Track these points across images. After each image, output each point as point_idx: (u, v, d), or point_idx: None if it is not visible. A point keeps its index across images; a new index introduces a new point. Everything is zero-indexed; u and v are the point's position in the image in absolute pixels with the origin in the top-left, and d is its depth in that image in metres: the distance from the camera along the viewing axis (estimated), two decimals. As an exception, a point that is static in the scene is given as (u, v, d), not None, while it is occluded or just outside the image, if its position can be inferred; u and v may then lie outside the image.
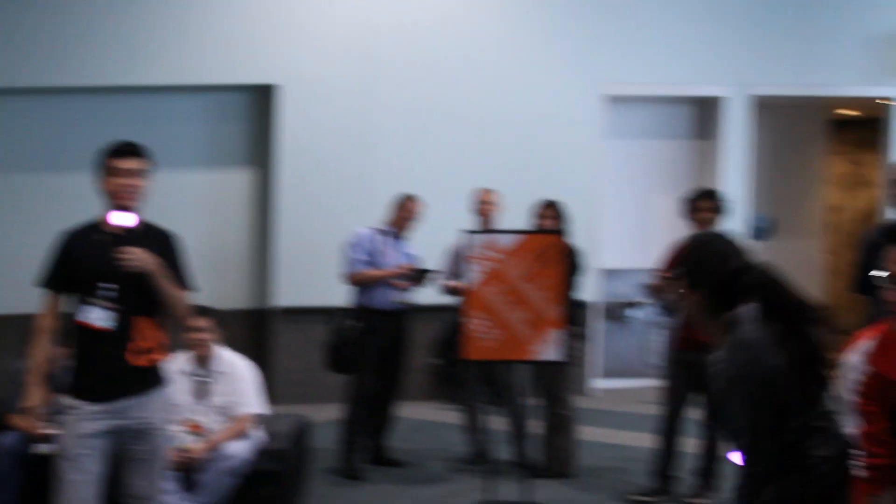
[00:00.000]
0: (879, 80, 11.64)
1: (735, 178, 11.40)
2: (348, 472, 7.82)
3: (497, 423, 7.55)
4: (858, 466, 3.37)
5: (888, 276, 3.17)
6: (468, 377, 8.02)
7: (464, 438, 8.25)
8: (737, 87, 11.37)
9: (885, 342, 3.34)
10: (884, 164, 11.76)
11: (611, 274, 11.13)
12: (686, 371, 6.95)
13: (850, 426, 3.41)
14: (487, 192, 8.32)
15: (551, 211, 7.82)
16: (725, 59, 11.29)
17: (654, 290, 7.21)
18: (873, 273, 3.37)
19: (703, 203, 7.14)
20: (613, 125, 11.30)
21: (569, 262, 7.28)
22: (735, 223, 11.23)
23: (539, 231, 7.57)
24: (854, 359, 3.38)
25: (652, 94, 11.42)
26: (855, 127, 14.23)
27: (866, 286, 5.92)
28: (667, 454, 7.15)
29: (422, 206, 8.23)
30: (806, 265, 12.94)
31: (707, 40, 11.26)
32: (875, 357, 3.36)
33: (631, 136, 11.59)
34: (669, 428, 7.14)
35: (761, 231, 12.59)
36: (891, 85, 11.65)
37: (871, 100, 11.97)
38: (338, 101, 10.64)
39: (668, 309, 7.11)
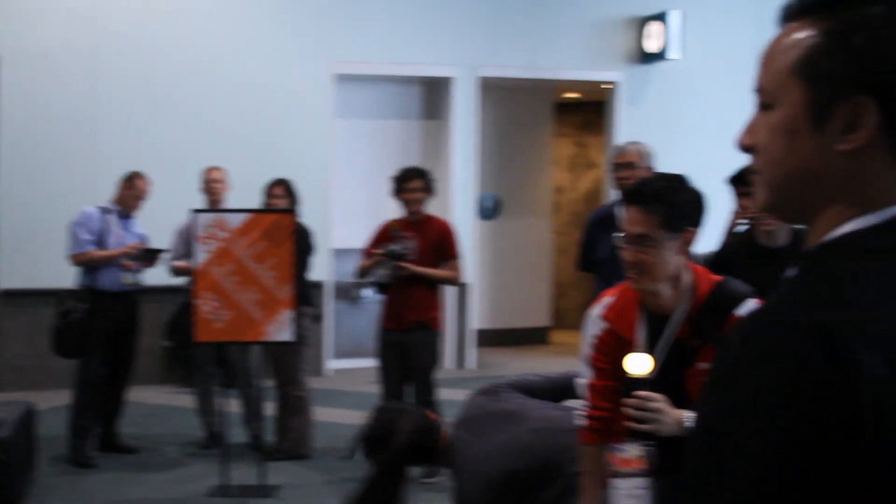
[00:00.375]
0: (603, 65, 12.08)
1: (464, 158, 11.60)
2: (78, 460, 7.53)
3: (230, 405, 7.47)
4: (581, 416, 3.51)
5: (624, 236, 3.28)
6: (200, 359, 7.90)
7: (197, 422, 8.12)
8: (465, 68, 11.54)
9: (621, 300, 3.46)
10: (607, 147, 12.22)
11: (342, 253, 11.12)
12: (393, 350, 7.08)
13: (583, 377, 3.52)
14: (215, 170, 8.18)
15: (281, 190, 7.76)
16: (454, 41, 11.45)
17: (363, 270, 7.21)
18: (615, 235, 3.47)
19: (412, 183, 7.16)
20: (344, 104, 11.28)
21: (300, 242, 7.25)
22: (464, 203, 11.50)
23: (268, 210, 7.50)
24: (595, 313, 3.50)
25: (381, 74, 11.44)
26: (579, 110, 14.74)
27: (590, 264, 6.14)
28: None
29: (150, 184, 8.00)
30: (534, 244, 13.34)
31: (436, 21, 11.39)
32: (610, 313, 3.48)
33: (361, 115, 11.61)
34: None
35: (488, 211, 12.89)
36: (613, 69, 12.12)
37: (595, 83, 12.41)
38: (62, 75, 10.24)
39: (378, 287, 7.20)
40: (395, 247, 6.94)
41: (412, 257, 6.98)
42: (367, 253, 7.14)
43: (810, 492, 1.22)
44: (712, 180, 7.61)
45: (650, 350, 3.29)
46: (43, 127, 10.18)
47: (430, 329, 7.06)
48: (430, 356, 7.10)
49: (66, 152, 10.22)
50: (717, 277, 3.35)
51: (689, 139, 11.76)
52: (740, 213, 5.41)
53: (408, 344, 7.03)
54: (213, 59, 10.64)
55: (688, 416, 3.10)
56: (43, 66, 10.19)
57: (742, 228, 5.30)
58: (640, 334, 3.35)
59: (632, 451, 3.18)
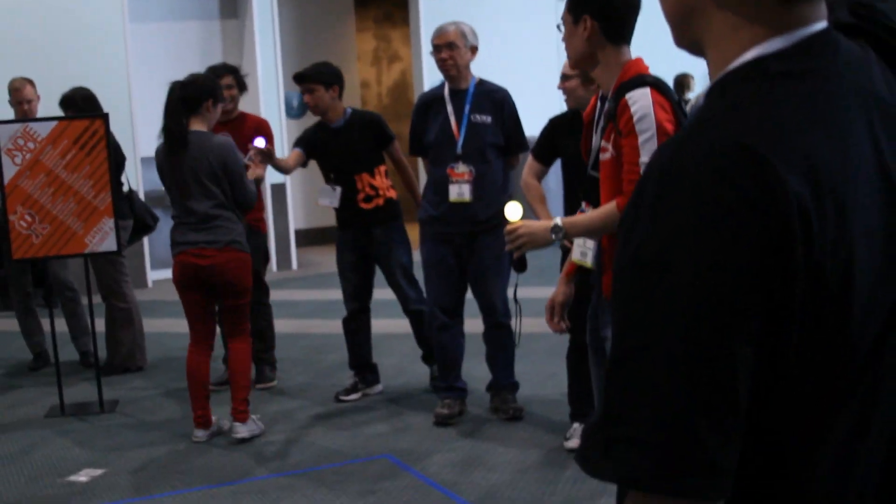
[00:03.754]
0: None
1: (266, 57, 11.32)
2: None
3: (56, 323, 7.14)
4: None
5: None
6: (18, 279, 7.54)
7: (23, 343, 7.81)
8: (261, -36, 11.23)
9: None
10: (412, 39, 12.10)
11: (150, 162, 10.72)
12: None
13: None
14: (24, 85, 7.73)
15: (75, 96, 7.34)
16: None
17: None
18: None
19: (222, 80, 6.87)
20: (138, 7, 10.81)
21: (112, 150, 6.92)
22: (269, 103, 11.25)
23: (77, 116, 7.11)
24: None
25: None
26: (381, 3, 14.55)
27: (421, 148, 6.08)
28: None
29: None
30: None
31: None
32: None
33: (157, 18, 11.18)
34: None
35: (295, 110, 12.64)
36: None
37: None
38: None
39: None
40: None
41: None
42: None
43: (747, 316, 1.21)
44: (521, 64, 7.60)
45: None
46: None
47: (258, 232, 6.82)
48: (260, 259, 6.89)
49: None
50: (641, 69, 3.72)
51: (494, 22, 11.73)
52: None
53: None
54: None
55: (556, 223, 3.73)
56: None
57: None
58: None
59: None
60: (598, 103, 3.85)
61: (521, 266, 4.13)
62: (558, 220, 3.76)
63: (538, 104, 9.55)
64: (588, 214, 3.83)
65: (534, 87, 10.78)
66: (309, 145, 6.50)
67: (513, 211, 3.96)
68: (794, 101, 1.30)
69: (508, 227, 3.85)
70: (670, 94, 3.71)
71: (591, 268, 4.04)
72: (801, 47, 1.34)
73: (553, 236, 3.75)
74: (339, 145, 6.35)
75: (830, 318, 1.25)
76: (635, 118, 3.53)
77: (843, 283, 1.26)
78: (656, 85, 3.66)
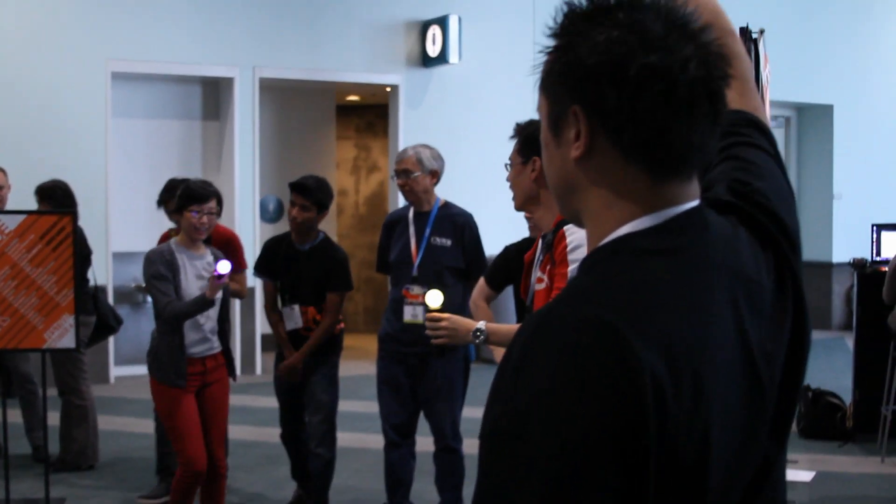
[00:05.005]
0: (383, 68, 12.09)
1: (244, 160, 11.40)
2: None
3: (10, 415, 7.08)
4: None
5: None
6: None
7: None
8: (245, 68, 11.34)
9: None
10: (390, 150, 12.23)
11: (122, 257, 10.79)
12: None
13: None
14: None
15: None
16: (233, 40, 11.23)
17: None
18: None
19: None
20: (121, 103, 10.92)
21: (80, 245, 6.94)
22: (245, 206, 11.31)
23: (45, 212, 7.16)
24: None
25: (159, 73, 11.14)
26: (362, 112, 14.73)
27: (386, 266, 6.11)
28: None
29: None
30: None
31: (215, 21, 11.16)
32: None
33: (139, 115, 11.28)
34: None
35: (270, 214, 12.75)
36: (394, 72, 12.13)
37: (377, 86, 12.42)
38: None
39: None
40: None
41: None
42: None
43: (600, 491, 1.22)
44: (492, 180, 7.67)
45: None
46: None
47: None
48: None
49: None
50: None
51: (471, 141, 11.88)
52: None
53: None
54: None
55: (478, 327, 3.87)
56: None
57: None
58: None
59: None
60: (540, 244, 3.91)
61: (440, 352, 4.37)
62: (482, 325, 3.89)
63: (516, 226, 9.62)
64: (510, 326, 3.95)
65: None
66: (274, 270, 6.35)
67: (433, 298, 4.21)
68: (658, 279, 1.34)
69: (432, 315, 4.01)
70: None
71: None
72: (670, 226, 1.40)
73: (474, 338, 3.88)
74: (300, 270, 6.21)
75: (685, 493, 1.28)
76: (569, 248, 3.60)
77: (698, 460, 1.29)
78: None
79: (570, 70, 1.41)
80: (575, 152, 1.42)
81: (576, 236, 3.64)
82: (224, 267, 5.46)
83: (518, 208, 3.92)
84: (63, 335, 6.48)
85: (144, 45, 10.82)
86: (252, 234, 11.10)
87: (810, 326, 1.57)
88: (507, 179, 3.84)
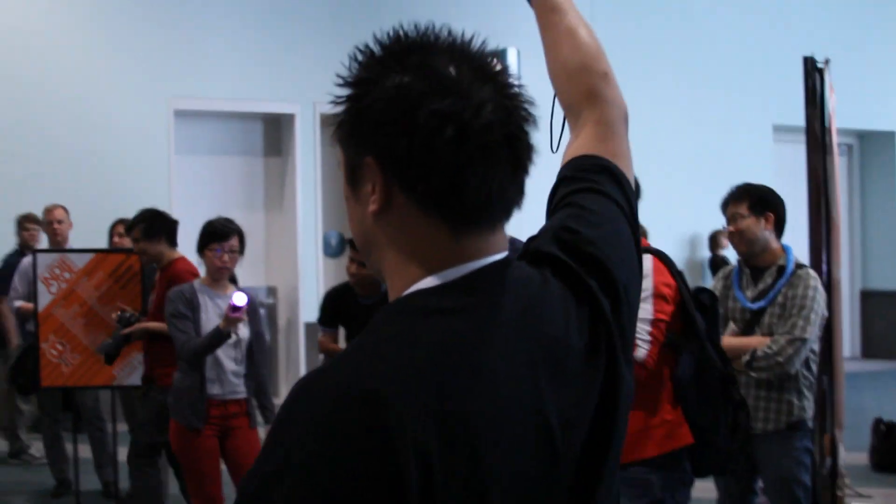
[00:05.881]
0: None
1: (307, 195, 11.47)
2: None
3: (81, 450, 7.15)
4: None
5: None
6: (46, 404, 7.58)
7: (47, 469, 7.79)
8: (306, 104, 11.42)
9: None
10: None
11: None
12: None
13: None
14: (57, 208, 7.90)
15: (120, 227, 7.51)
16: (294, 77, 11.31)
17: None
18: None
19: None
20: (184, 140, 11.05)
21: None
22: (309, 241, 11.36)
23: (114, 250, 7.26)
24: None
25: (222, 110, 11.27)
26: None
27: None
28: None
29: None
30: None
31: (276, 58, 11.26)
32: None
33: (202, 152, 11.39)
34: None
35: (332, 248, 12.79)
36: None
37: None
38: None
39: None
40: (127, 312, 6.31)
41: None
42: None
43: None
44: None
45: None
46: None
47: (154, 384, 6.21)
48: (147, 414, 6.27)
49: None
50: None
51: (532, 175, 11.85)
52: None
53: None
54: (50, 93, 10.27)
55: None
56: None
57: None
58: None
59: None
60: None
61: None
62: None
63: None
64: None
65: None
66: (336, 320, 6.32)
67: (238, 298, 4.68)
68: (440, 340, 1.27)
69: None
70: (671, 264, 3.95)
71: None
72: (461, 284, 1.33)
73: None
74: (363, 325, 6.13)
75: None
76: None
77: None
78: (658, 254, 3.91)
79: (361, 120, 1.35)
80: (372, 206, 1.36)
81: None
82: (240, 299, 5.29)
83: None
84: (132, 372, 6.55)
85: (206, 82, 10.94)
86: (315, 270, 11.16)
87: (625, 384, 1.46)
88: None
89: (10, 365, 7.73)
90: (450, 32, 1.39)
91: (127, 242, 7.32)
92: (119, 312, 6.26)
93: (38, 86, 10.23)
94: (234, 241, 5.50)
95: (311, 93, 11.39)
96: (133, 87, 10.57)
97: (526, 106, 1.37)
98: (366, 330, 1.33)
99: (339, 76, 1.41)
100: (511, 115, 1.35)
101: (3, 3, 10.23)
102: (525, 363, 1.32)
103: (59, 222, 7.82)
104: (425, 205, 1.33)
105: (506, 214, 1.40)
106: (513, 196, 1.40)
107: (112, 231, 7.53)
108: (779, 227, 4.88)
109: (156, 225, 6.31)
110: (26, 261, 7.51)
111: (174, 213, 10.59)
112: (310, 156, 11.51)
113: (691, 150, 12.91)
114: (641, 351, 3.79)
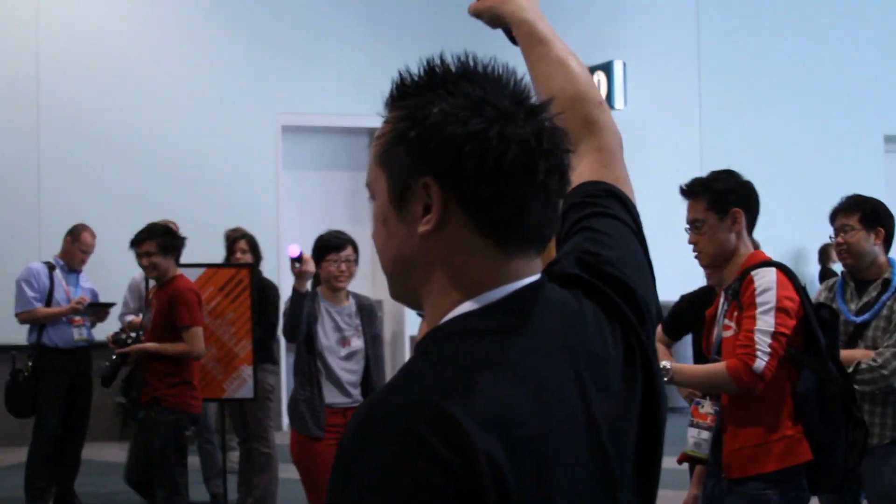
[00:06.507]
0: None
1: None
2: (34, 520, 7.33)
3: (191, 461, 7.26)
4: None
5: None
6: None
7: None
8: (411, 119, 11.50)
9: None
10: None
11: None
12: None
13: None
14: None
15: (242, 243, 7.62)
16: (400, 92, 11.40)
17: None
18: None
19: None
20: (291, 156, 11.20)
21: (263, 298, 7.14)
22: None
23: (224, 265, 7.36)
24: None
25: (327, 125, 11.39)
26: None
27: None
28: None
29: (95, 237, 7.84)
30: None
31: (383, 73, 11.26)
32: None
33: (309, 167, 11.52)
34: None
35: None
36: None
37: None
38: (5, 127, 10.08)
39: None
40: (121, 334, 6.40)
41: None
42: None
43: None
44: (661, 226, 7.57)
45: None
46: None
47: (160, 406, 6.17)
48: (156, 437, 6.19)
49: (10, 206, 10.03)
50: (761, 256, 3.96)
51: (638, 186, 11.72)
52: None
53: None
54: (160, 110, 10.51)
55: (664, 364, 3.72)
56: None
57: None
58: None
59: (705, 407, 3.93)
60: (723, 296, 3.92)
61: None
62: (667, 363, 3.82)
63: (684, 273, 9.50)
64: (697, 367, 4.00)
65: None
66: None
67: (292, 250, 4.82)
68: (492, 359, 1.30)
69: None
70: (795, 278, 3.87)
71: (705, 459, 4.01)
72: (506, 304, 1.36)
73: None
74: None
75: None
76: (757, 290, 3.69)
77: None
78: (782, 267, 3.84)
79: (421, 139, 1.35)
80: (423, 227, 1.37)
81: (764, 280, 3.71)
82: (293, 251, 5.43)
83: (708, 265, 3.95)
84: (241, 385, 6.63)
85: (312, 98, 11.09)
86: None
87: (663, 396, 1.52)
88: (691, 241, 3.89)
89: (122, 377, 7.89)
90: (494, 62, 1.43)
91: (248, 258, 7.46)
92: (114, 334, 6.46)
93: (151, 105, 10.48)
94: (349, 251, 5.61)
95: (417, 107, 11.46)
96: (242, 104, 10.76)
97: (566, 139, 1.41)
98: (415, 354, 1.37)
99: (389, 96, 1.44)
100: (559, 146, 1.39)
101: (118, 27, 10.51)
102: (573, 378, 1.36)
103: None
104: (486, 226, 1.36)
105: (549, 238, 1.45)
106: (555, 220, 1.44)
107: (234, 246, 7.62)
108: (888, 242, 4.78)
109: (173, 242, 6.42)
110: (138, 275, 7.64)
111: (282, 228, 10.80)
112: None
113: (799, 160, 12.70)
114: (760, 362, 3.73)
